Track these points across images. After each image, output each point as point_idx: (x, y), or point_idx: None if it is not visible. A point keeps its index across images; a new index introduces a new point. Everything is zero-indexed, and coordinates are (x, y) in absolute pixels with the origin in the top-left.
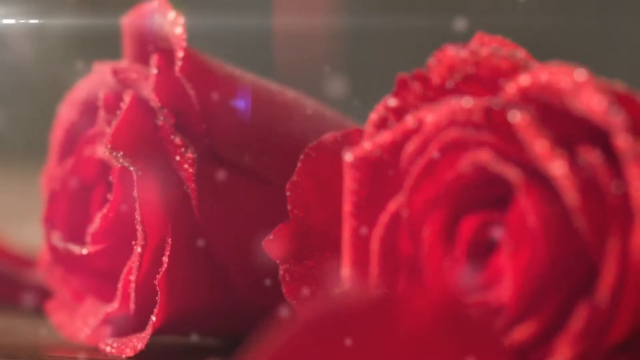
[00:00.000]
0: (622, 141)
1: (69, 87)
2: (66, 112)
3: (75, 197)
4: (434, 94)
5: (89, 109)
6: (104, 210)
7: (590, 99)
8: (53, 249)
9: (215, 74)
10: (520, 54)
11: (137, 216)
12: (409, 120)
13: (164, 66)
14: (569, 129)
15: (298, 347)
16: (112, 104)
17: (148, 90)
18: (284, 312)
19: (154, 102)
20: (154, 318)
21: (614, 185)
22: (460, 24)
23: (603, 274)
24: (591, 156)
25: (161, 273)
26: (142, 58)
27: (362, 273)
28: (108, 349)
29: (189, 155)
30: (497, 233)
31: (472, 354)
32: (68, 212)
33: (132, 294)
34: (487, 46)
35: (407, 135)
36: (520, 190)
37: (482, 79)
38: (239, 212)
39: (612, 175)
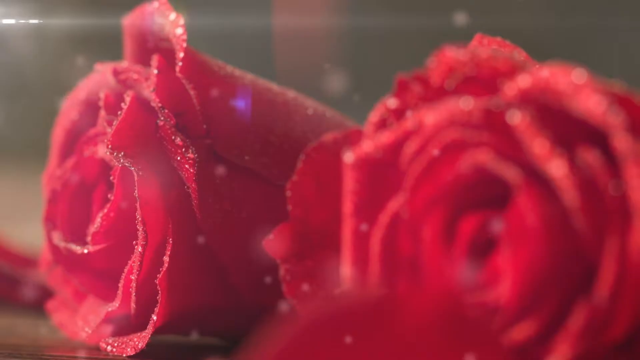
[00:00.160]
0: (621, 142)
1: (69, 87)
2: (67, 112)
3: (76, 196)
4: (434, 94)
5: (90, 109)
6: (105, 210)
7: (589, 100)
8: (54, 249)
9: (216, 75)
10: (520, 55)
11: (138, 216)
12: (409, 121)
13: (164, 67)
14: (568, 129)
15: (299, 347)
16: (113, 104)
17: (149, 91)
18: (284, 311)
19: (155, 102)
20: (154, 317)
21: (612, 186)
22: (460, 24)
23: (602, 274)
24: (590, 156)
25: (162, 272)
26: (143, 58)
27: (362, 273)
28: (109, 348)
29: (190, 155)
30: (497, 233)
31: (472, 354)
32: (69, 212)
33: (133, 294)
34: (486, 47)
35: (407, 136)
36: (519, 190)
37: (482, 80)
38: (239, 211)
39: (611, 176)
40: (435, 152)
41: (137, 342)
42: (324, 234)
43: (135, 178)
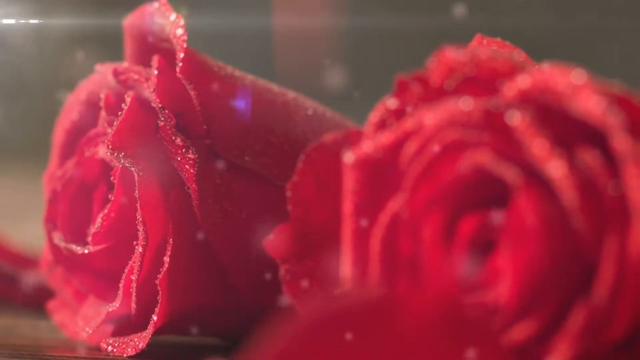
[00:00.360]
0: (620, 142)
1: (69, 88)
2: (68, 112)
3: (77, 197)
4: (434, 95)
5: (91, 109)
6: (106, 211)
7: (589, 100)
8: (55, 249)
9: (216, 75)
10: (519, 55)
11: (139, 216)
12: (409, 121)
13: (165, 67)
14: (568, 130)
15: (299, 347)
16: (114, 105)
17: (149, 91)
18: (284, 311)
19: (155, 102)
20: (155, 317)
21: (612, 186)
22: (460, 24)
23: (601, 274)
24: (589, 157)
25: (162, 273)
26: (143, 59)
27: (362, 273)
28: (109, 348)
29: (190, 155)
30: (496, 233)
31: (472, 354)
32: (69, 212)
33: (134, 294)
34: (486, 48)
35: (407, 136)
36: (519, 190)
37: (482, 81)
38: (239, 212)
39: (610, 176)
40: (435, 152)
41: (137, 342)
42: (324, 234)
43: (136, 178)
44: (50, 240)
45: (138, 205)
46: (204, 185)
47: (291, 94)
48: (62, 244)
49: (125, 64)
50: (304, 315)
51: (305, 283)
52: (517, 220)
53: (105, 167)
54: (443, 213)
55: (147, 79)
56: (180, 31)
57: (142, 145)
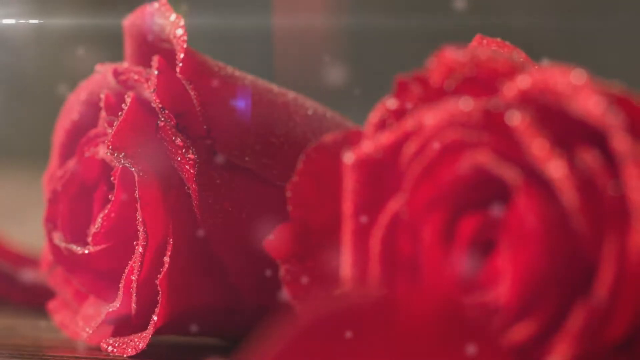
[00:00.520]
0: (620, 142)
1: (70, 88)
2: (68, 112)
3: (77, 197)
4: (434, 95)
5: (91, 109)
6: (106, 211)
7: (588, 101)
8: (55, 249)
9: (216, 75)
10: (519, 56)
11: (139, 216)
12: (409, 122)
13: (165, 67)
14: (568, 130)
15: (299, 347)
16: (114, 105)
17: (149, 92)
18: (284, 311)
19: (155, 103)
20: (155, 318)
21: (611, 186)
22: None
23: (601, 274)
24: (589, 157)
25: (162, 273)
26: (143, 59)
27: (362, 273)
28: (110, 348)
29: (190, 156)
30: (496, 233)
31: (471, 354)
32: (70, 213)
33: (134, 294)
34: (486, 48)
35: (407, 137)
36: (519, 190)
37: (481, 81)
38: (240, 212)
39: (610, 176)
40: (435, 153)
41: (137, 343)
42: (324, 234)
43: (136, 178)
44: (51, 240)
45: (138, 205)
46: (204, 186)
47: (291, 94)
48: (63, 244)
49: (125, 64)
50: (304, 315)
51: (305, 283)
52: (517, 220)
53: (106, 168)
54: (443, 213)
55: (147, 79)
56: (180, 31)
57: (142, 146)
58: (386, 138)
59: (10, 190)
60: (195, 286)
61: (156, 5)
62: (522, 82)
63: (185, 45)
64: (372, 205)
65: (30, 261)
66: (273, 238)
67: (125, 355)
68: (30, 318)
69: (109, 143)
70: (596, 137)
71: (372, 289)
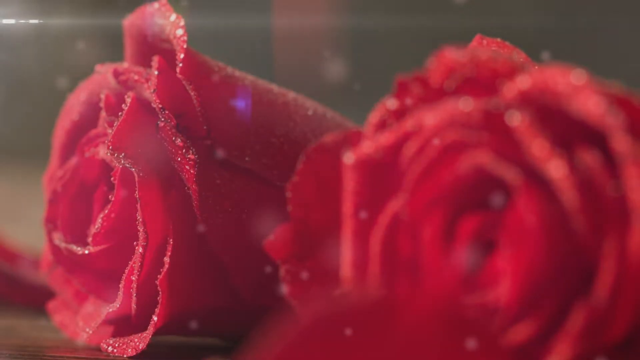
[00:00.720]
0: (620, 143)
1: (70, 88)
2: (68, 113)
3: (77, 197)
4: (434, 95)
5: (91, 110)
6: (106, 211)
7: (588, 101)
8: (55, 249)
9: (216, 76)
10: (519, 56)
11: (139, 217)
12: (409, 122)
13: (165, 68)
14: (568, 130)
15: (299, 347)
16: (114, 105)
17: (149, 92)
18: (284, 312)
19: (155, 103)
20: (155, 318)
21: (611, 186)
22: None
23: (601, 274)
24: (589, 157)
25: (162, 273)
26: (144, 59)
27: (362, 273)
28: (110, 348)
29: (190, 156)
30: (496, 233)
31: (471, 355)
32: (70, 213)
33: (134, 294)
34: (486, 48)
35: (407, 137)
36: (519, 191)
37: (481, 81)
38: (240, 212)
39: (610, 177)
40: (435, 153)
41: (137, 343)
42: (324, 234)
43: (136, 179)
44: (51, 240)
45: (138, 205)
46: (204, 186)
47: (291, 95)
48: (63, 245)
49: (125, 65)
50: (304, 316)
51: (305, 283)
52: (517, 220)
53: (106, 168)
54: (443, 213)
55: (147, 80)
56: (180, 32)
57: (142, 146)
58: (386, 138)
59: (10, 190)
60: (196, 286)
61: (156, 5)
62: (522, 82)
63: (185, 46)
64: (372, 205)
65: (31, 261)
66: (273, 238)
67: (125, 356)
68: (30, 318)
69: (109, 143)
70: (596, 137)
71: (372, 289)
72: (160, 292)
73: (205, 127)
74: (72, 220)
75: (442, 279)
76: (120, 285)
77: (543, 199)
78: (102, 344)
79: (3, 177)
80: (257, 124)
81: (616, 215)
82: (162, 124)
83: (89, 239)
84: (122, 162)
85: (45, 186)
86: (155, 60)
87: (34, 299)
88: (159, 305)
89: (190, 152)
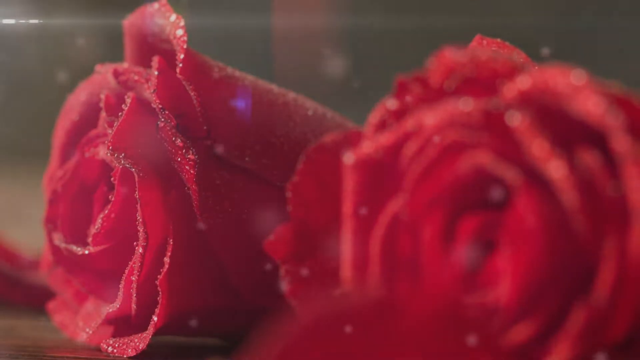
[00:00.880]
0: (620, 143)
1: (69, 88)
2: (68, 113)
3: (77, 198)
4: (434, 95)
5: (91, 110)
6: (106, 211)
7: (588, 101)
8: (55, 250)
9: (216, 76)
10: (519, 56)
11: (139, 217)
12: (409, 122)
13: (165, 68)
14: (568, 130)
15: (299, 347)
16: (114, 106)
17: (149, 92)
18: (284, 312)
19: (155, 103)
20: (155, 318)
21: (611, 187)
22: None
23: (601, 274)
24: (589, 158)
25: (162, 273)
26: (144, 60)
27: (362, 273)
28: (110, 349)
29: (190, 156)
30: (496, 234)
31: (471, 354)
32: (70, 213)
33: (134, 294)
34: (486, 49)
35: (407, 137)
36: (519, 191)
37: (481, 81)
38: (240, 212)
39: (610, 177)
40: (435, 153)
41: (137, 343)
42: (324, 234)
43: (136, 179)
44: (51, 240)
45: (138, 205)
46: (204, 186)
47: (291, 95)
48: (63, 245)
49: (125, 65)
50: (304, 316)
51: (305, 283)
52: (517, 220)
53: (106, 168)
54: (443, 214)
55: (147, 80)
56: (180, 32)
57: (142, 146)
58: (386, 138)
59: (10, 190)
60: (195, 286)
61: (156, 5)
62: (522, 82)
63: (185, 46)
64: (372, 205)
65: (30, 262)
66: (273, 238)
67: (125, 356)
68: (30, 318)
69: (109, 143)
70: (596, 138)
71: (372, 289)
72: (160, 292)
73: (205, 127)
74: (72, 220)
75: (442, 279)
76: (120, 286)
77: (543, 199)
78: (102, 344)
79: (3, 177)
80: (257, 124)
81: (616, 215)
82: (162, 124)
83: (89, 239)
84: (122, 162)
85: (45, 186)
86: (155, 61)
87: (34, 299)
88: (159, 305)
89: (190, 152)
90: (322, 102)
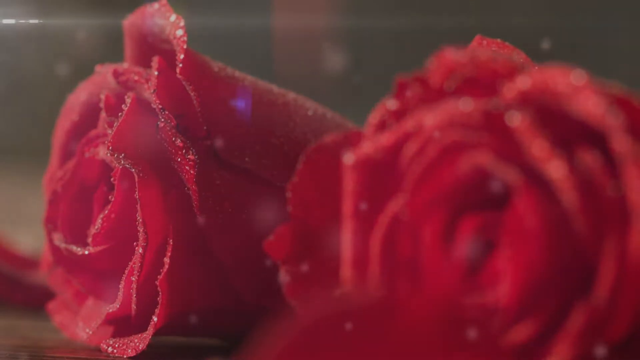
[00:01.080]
0: (620, 143)
1: (69, 89)
2: (68, 113)
3: (77, 198)
4: (434, 96)
5: (91, 110)
6: (106, 211)
7: (588, 101)
8: (55, 250)
9: (216, 76)
10: (519, 56)
11: (139, 217)
12: (409, 123)
13: (165, 68)
14: (568, 131)
15: (299, 347)
16: (114, 106)
17: (149, 92)
18: (284, 312)
19: (155, 103)
20: (155, 318)
21: (611, 187)
22: (460, 24)
23: (601, 275)
24: (589, 158)
25: (162, 274)
26: (144, 60)
27: (362, 274)
28: (110, 349)
29: (190, 157)
30: (496, 234)
31: (471, 355)
32: (70, 213)
33: (134, 295)
34: (485, 49)
35: (407, 137)
36: (519, 191)
37: (481, 82)
38: (240, 213)
39: (610, 177)
40: (435, 153)
41: (137, 343)
42: (324, 235)
43: (136, 179)
44: (51, 241)
45: (138, 206)
46: (204, 186)
47: (291, 95)
48: (63, 245)
49: (125, 65)
50: (304, 316)
51: (305, 284)
52: (517, 221)
53: (106, 168)
54: (443, 214)
55: (147, 80)
56: (180, 32)
57: (142, 147)
58: (386, 139)
59: (10, 190)
60: (195, 287)
61: (156, 5)
62: (522, 82)
63: (185, 46)
64: (372, 205)
65: (30, 262)
66: (273, 238)
67: (125, 356)
68: (30, 318)
69: (109, 144)
70: (596, 138)
71: (372, 289)
72: (160, 293)
73: (205, 128)
74: (72, 220)
75: (442, 279)
76: (120, 286)
77: (543, 199)
78: (102, 344)
79: (3, 177)
80: (257, 124)
81: (616, 215)
82: (162, 125)
83: (89, 240)
84: (122, 162)
85: (45, 186)
86: (155, 61)
87: (34, 299)
88: (158, 306)
89: (190, 152)
90: (322, 102)
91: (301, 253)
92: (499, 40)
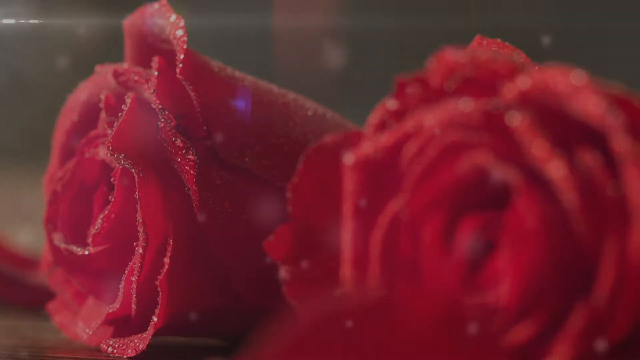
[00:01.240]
0: (620, 143)
1: (70, 89)
2: (68, 113)
3: (77, 198)
4: (434, 96)
5: (91, 110)
6: (106, 212)
7: (588, 101)
8: (55, 250)
9: (216, 76)
10: (519, 56)
11: (139, 217)
12: (409, 123)
13: (165, 68)
14: (568, 131)
15: (299, 348)
16: (114, 106)
17: (149, 92)
18: (284, 312)
19: (155, 104)
20: (155, 319)
21: (611, 187)
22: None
23: (601, 275)
24: (589, 158)
25: (162, 274)
26: (144, 60)
27: (362, 274)
28: (109, 349)
29: (190, 157)
30: (496, 234)
31: (471, 355)
32: (70, 213)
33: (134, 295)
34: (485, 49)
35: (407, 138)
36: (519, 191)
37: (481, 82)
38: (240, 213)
39: (610, 177)
40: (435, 153)
41: (137, 344)
42: (324, 235)
43: (136, 179)
44: (51, 241)
45: (138, 206)
46: (204, 187)
47: (291, 95)
48: (63, 245)
49: (125, 65)
50: (304, 316)
51: (305, 284)
52: (517, 221)
53: (106, 168)
54: (443, 214)
55: (147, 80)
56: (180, 32)
57: (142, 147)
58: (386, 139)
59: (10, 190)
60: (195, 287)
61: (156, 5)
62: (522, 83)
63: (185, 46)
64: (372, 206)
65: (30, 262)
66: (273, 238)
67: (125, 356)
68: (30, 318)
69: (109, 144)
70: (596, 138)
71: (372, 289)
72: (160, 293)
73: (205, 128)
74: (72, 220)
75: (442, 279)
76: (120, 286)
77: (543, 200)
78: (102, 344)
79: (3, 177)
80: (257, 124)
81: (616, 215)
82: (162, 125)
83: (89, 240)
84: (122, 162)
85: (45, 187)
86: (155, 61)
87: (34, 299)
88: (158, 306)
89: (190, 152)
90: (322, 102)
91: (301, 253)
92: (499, 40)
